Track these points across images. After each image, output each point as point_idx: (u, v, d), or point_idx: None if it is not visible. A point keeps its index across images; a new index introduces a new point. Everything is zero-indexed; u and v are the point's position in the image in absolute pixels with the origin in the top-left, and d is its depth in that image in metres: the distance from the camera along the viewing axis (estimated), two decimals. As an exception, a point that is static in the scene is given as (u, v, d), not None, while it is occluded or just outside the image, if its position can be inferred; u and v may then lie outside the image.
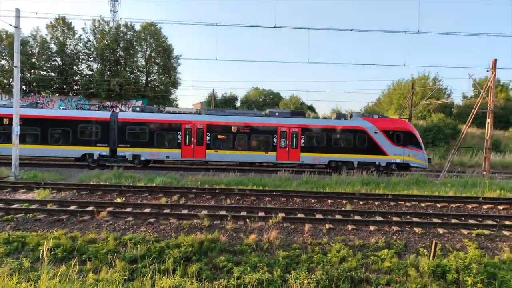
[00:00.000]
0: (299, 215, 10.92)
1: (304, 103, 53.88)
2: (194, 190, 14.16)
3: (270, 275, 7.28)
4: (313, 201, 13.34)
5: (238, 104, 54.77)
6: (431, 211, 12.21)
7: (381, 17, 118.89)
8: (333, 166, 21.78)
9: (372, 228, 9.85)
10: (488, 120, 19.60)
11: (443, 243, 8.95)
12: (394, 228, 9.87)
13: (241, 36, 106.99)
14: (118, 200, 12.20)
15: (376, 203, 13.32)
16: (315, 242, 8.78)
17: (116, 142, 21.09)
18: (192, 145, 21.31)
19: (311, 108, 55.05)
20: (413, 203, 13.47)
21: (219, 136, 21.50)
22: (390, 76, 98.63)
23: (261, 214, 10.78)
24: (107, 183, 15.27)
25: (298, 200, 13.45)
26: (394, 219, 10.84)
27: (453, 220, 10.87)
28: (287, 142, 21.73)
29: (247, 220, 9.87)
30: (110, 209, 10.85)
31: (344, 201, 13.39)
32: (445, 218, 11.22)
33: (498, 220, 11.13)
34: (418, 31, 14.78)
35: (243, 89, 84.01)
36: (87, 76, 38.89)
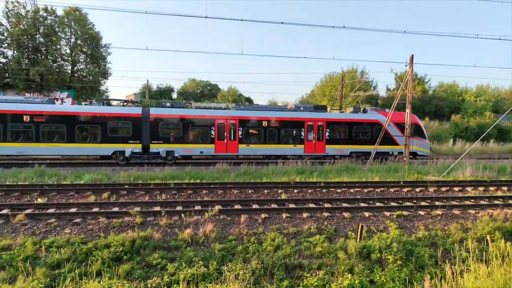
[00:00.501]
0: (236, 207, 10.96)
1: (242, 95, 54.16)
2: (126, 187, 13.48)
3: (205, 269, 7.20)
4: (250, 191, 13.48)
5: (174, 95, 53.20)
6: (359, 196, 13.05)
7: (314, 10, 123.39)
8: (353, 156, 22.95)
9: (305, 215, 10.25)
10: (407, 111, 21.43)
11: (369, 226, 9.62)
12: (325, 214, 10.38)
13: (173, 26, 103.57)
14: (40, 200, 11.14)
15: (310, 190, 13.88)
16: (251, 232, 8.89)
17: (148, 138, 20.80)
18: (225, 140, 21.78)
19: (249, 100, 55.54)
20: (343, 189, 14.29)
21: (250, 131, 22.25)
22: (322, 68, 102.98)
23: (198, 207, 10.62)
24: (27, 183, 13.88)
25: (235, 191, 13.49)
26: (326, 205, 11.40)
27: (378, 204, 11.75)
28: (313, 135, 23.01)
29: (182, 214, 9.65)
30: (28, 211, 9.87)
31: (280, 190, 13.74)
32: (371, 202, 12.08)
33: (415, 201, 12.27)
34: (344, 26, 15.54)
35: (179, 80, 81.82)
36: (1, 65, 34.75)
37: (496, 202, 12.19)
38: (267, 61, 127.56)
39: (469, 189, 14.93)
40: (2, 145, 19.07)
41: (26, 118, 19.36)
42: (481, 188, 15.01)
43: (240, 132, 21.93)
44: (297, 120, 22.69)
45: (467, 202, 12.14)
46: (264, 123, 22.01)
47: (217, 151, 21.69)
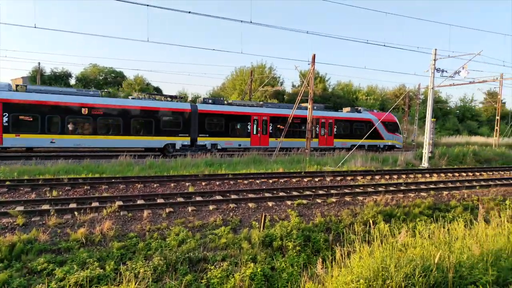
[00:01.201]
0: (139, 202, 10.39)
1: (151, 84, 51.60)
2: (8, 183, 11.73)
3: (102, 270, 6.66)
4: (155, 185, 12.95)
5: (72, 81, 48.01)
6: (264, 187, 13.55)
7: (220, 4, 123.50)
8: (350, 148, 25.65)
9: (211, 207, 10.24)
10: (309, 106, 22.95)
11: (272, 215, 10.05)
12: (232, 205, 10.52)
13: (67, 4, 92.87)
14: None
15: (218, 183, 13.93)
16: (154, 228, 8.52)
17: (196, 132, 22.84)
18: (258, 134, 24.83)
19: (157, 90, 53.20)
20: (250, 180, 14.68)
21: (278, 126, 25.60)
22: (232, 62, 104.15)
23: (95, 204, 9.79)
24: None
25: (139, 186, 12.82)
26: (233, 197, 11.57)
27: (281, 194, 12.37)
28: (325, 130, 27.65)
29: (76, 212, 8.78)
30: None
31: (187, 183, 13.49)
32: (275, 192, 12.66)
33: (314, 190, 13.25)
34: (251, 22, 15.82)
35: (78, 65, 74.11)
36: None
37: (380, 189, 13.86)
38: (177, 51, 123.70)
39: (359, 178, 16.71)
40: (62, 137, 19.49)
41: (84, 111, 19.79)
42: (368, 177, 16.93)
43: (270, 127, 25.42)
44: (313, 118, 24.81)
45: (357, 190, 13.56)
46: (289, 120, 24.10)
47: (252, 144, 24.65)
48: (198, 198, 11.19)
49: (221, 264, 7.32)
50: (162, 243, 7.83)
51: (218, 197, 11.41)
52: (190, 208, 10.03)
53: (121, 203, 9.95)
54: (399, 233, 6.75)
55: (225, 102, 25.61)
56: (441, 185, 15.30)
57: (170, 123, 22.15)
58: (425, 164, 22.04)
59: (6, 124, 18.27)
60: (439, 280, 5.41)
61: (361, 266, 5.52)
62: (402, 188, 14.24)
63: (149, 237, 8.10)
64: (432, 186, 15.03)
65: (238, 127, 24.57)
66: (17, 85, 19.87)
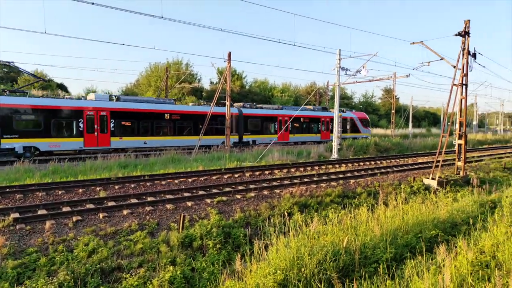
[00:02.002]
0: (40, 212, 9.29)
1: (53, 80, 46.52)
2: None
3: (-7, 295, 5.78)
4: (60, 193, 11.71)
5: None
6: (183, 187, 13.22)
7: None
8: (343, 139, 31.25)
9: (126, 212, 9.64)
10: (227, 103, 23.06)
11: (191, 215, 9.85)
12: (148, 208, 10.04)
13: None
14: None
15: (133, 185, 13.18)
16: (58, 240, 7.69)
17: (242, 131, 28.65)
18: (282, 131, 30.57)
19: (61, 87, 48.23)
20: (168, 181, 14.20)
21: (295, 124, 32.34)
22: (146, 58, 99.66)
23: (-17, 219, 8.45)
24: None
25: (40, 194, 11.46)
26: (149, 199, 11.05)
27: (200, 192, 12.20)
28: (325, 127, 35.56)
29: (-43, 231, 7.50)
30: None
31: (98, 188, 12.50)
32: (194, 191, 12.44)
33: (234, 186, 13.36)
34: (162, 17, 15.23)
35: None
36: None
37: (295, 181, 14.57)
38: (82, 45, 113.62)
39: (276, 171, 17.35)
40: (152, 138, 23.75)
41: (167, 116, 24.21)
42: (285, 170, 17.69)
43: (290, 125, 31.45)
44: (316, 117, 34.86)
45: (274, 183, 14.06)
46: (301, 119, 32.71)
47: (279, 140, 29.97)
48: (111, 203, 10.43)
49: (138, 271, 6.92)
50: (68, 256, 7.10)
51: (133, 201, 10.79)
52: (101, 215, 9.29)
53: (17, 215, 8.77)
54: (312, 222, 7.16)
55: (260, 106, 32.24)
56: (349, 174, 16.71)
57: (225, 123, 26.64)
58: (335, 155, 23.85)
59: (113, 129, 22.16)
60: (347, 262, 5.88)
61: (278, 258, 5.72)
62: (315, 179, 15.17)
63: (52, 250, 7.28)
64: (341, 175, 16.32)
65: (269, 126, 31.26)
66: (115, 96, 23.92)
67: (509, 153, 28.72)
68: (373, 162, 22.13)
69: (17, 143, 18.90)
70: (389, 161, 23.20)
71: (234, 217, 9.77)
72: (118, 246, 7.77)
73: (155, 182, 13.84)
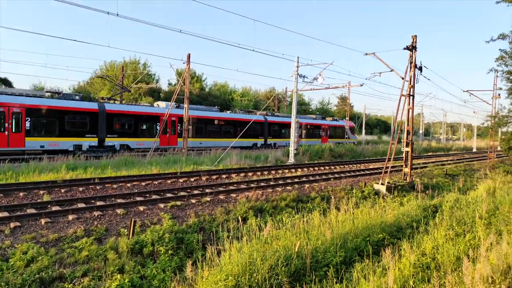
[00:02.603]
0: (-28, 218, 8.48)
1: (-5, 75, 43.01)
2: None
3: None
4: (-3, 196, 10.79)
5: None
6: (136, 190, 12.74)
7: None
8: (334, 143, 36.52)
9: (71, 217, 9.08)
10: (185, 106, 22.67)
11: (143, 220, 9.50)
12: (96, 213, 9.54)
13: None
14: None
15: (81, 189, 12.50)
16: (-8, 249, 7.06)
17: (267, 135, 34.80)
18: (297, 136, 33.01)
19: (5, 82, 44.73)
20: (120, 184, 13.63)
21: (303, 131, 38.28)
22: (100, 56, 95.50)
23: None
24: None
25: (-27, 198, 10.48)
26: (98, 203, 10.51)
27: (154, 196, 11.82)
28: (324, 133, 41.07)
29: None
30: None
31: (42, 191, 11.69)
32: (147, 195, 12.03)
33: (189, 190, 13.11)
34: (117, 14, 14.67)
35: None
36: None
37: (252, 185, 14.60)
38: (30, 39, 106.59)
39: (233, 175, 17.29)
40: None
41: (215, 122, 30.06)
42: (242, 174, 17.68)
43: (324, 132, 40.84)
44: (318, 125, 40.81)
45: (231, 187, 13.99)
46: (308, 126, 39.18)
47: (323, 142, 38.14)
48: (55, 208, 9.78)
49: (82, 281, 6.53)
50: (3, 266, 6.53)
51: (81, 205, 10.21)
52: (43, 220, 8.68)
53: None
54: (266, 226, 7.18)
55: (277, 115, 38.49)
56: (304, 179, 17.06)
57: (255, 129, 32.84)
58: (291, 160, 24.27)
59: (179, 131, 26.71)
60: (299, 267, 5.95)
61: (231, 264, 5.66)
62: (271, 183, 15.31)
63: (-16, 260, 6.65)
64: (296, 180, 16.62)
65: (312, 132, 40.06)
66: (176, 104, 27.27)
67: (451, 160, 30.93)
68: (327, 167, 22.80)
69: (116, 142, 23.61)
70: (342, 166, 24.02)
71: (188, 222, 9.56)
72: (61, 254, 7.28)
73: (106, 185, 13.22)
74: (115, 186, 13.25)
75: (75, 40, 19.31)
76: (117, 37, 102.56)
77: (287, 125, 34.81)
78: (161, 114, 25.93)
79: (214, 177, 16.51)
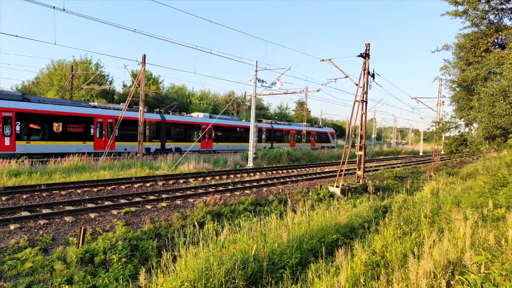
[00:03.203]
0: None
1: None
2: None
3: None
4: None
5: None
6: (87, 197, 12.15)
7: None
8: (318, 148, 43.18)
9: (13, 227, 8.44)
10: (140, 108, 22.01)
11: (95, 227, 9.06)
12: (42, 221, 8.95)
13: None
14: None
15: (25, 196, 11.68)
16: None
17: (273, 140, 40.60)
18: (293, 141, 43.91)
19: None
20: (70, 190, 12.92)
21: (297, 136, 44.70)
22: (47, 54, 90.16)
23: None
24: None
25: None
26: (44, 211, 9.88)
27: (107, 203, 11.33)
28: (314, 138, 47.56)
29: None
30: None
31: (-21, 200, 10.76)
32: (100, 201, 11.50)
33: (144, 196, 12.72)
34: (64, 9, 13.94)
35: None
36: None
37: (210, 189, 14.46)
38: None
39: (191, 180, 17.03)
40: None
41: (239, 130, 36.26)
42: (200, 179, 17.47)
43: (297, 137, 44.65)
44: (309, 131, 46.16)
45: (188, 192, 13.77)
46: (300, 133, 44.80)
47: (291, 146, 41.82)
48: (-5, 217, 9.04)
49: (25, 295, 6.08)
50: None
51: (25, 213, 9.53)
52: (-20, 231, 7.99)
53: None
54: (223, 231, 7.14)
55: (279, 122, 45.01)
56: (262, 182, 17.21)
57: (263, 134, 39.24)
58: (250, 164, 24.39)
59: (214, 136, 32.87)
60: (256, 270, 5.98)
61: (187, 269, 5.55)
62: (230, 187, 15.28)
63: None
64: (255, 184, 16.72)
65: (320, 137, 49.60)
66: (209, 114, 35.87)
67: (400, 163, 32.77)
68: (285, 171, 23.19)
69: (173, 145, 29.30)
70: (300, 169, 24.56)
71: (143, 229, 9.26)
72: (1, 266, 6.74)
73: (54, 192, 12.47)
74: (63, 192, 12.52)
75: (16, 36, 18.03)
76: (67, 35, 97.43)
77: (288, 132, 42.98)
78: (202, 123, 31.73)
79: (171, 182, 16.16)
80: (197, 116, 33.67)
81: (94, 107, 24.51)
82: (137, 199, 12.15)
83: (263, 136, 38.60)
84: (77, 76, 37.49)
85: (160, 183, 15.54)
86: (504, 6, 17.31)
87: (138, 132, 23.08)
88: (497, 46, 19.26)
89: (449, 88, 25.39)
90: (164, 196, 12.49)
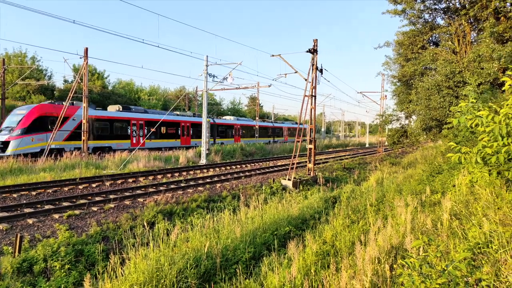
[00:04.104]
0: None
1: None
2: None
3: None
4: None
5: None
6: (24, 201, 11.22)
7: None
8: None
9: None
10: (84, 105, 20.77)
11: (33, 234, 8.40)
12: (-29, 231, 8.12)
13: None
14: None
15: (-50, 204, 10.49)
16: None
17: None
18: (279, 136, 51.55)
19: None
20: (4, 195, 11.85)
21: (276, 131, 50.44)
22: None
23: None
24: None
25: None
26: (-27, 219, 8.96)
27: (47, 206, 10.55)
28: (285, 133, 51.75)
29: None
30: None
31: None
32: (39, 206, 10.69)
33: (90, 198, 12.03)
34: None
35: None
36: None
37: (161, 188, 14.05)
38: None
39: (141, 179, 16.43)
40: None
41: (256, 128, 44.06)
42: (151, 177, 16.91)
43: (276, 132, 50.44)
44: (294, 128, 51.11)
45: (138, 192, 13.25)
46: (291, 129, 53.22)
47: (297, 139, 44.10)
48: None
49: (-50, 313, 5.47)
50: None
51: (-51, 223, 8.57)
52: None
53: None
54: (174, 230, 6.96)
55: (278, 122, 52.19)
56: (216, 179, 17.07)
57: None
58: (203, 160, 24.08)
59: (240, 134, 41.63)
60: (209, 267, 5.90)
61: (136, 272, 5.33)
62: (182, 185, 14.95)
63: None
64: (208, 180, 16.54)
65: (281, 132, 52.45)
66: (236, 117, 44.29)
67: (348, 155, 34.27)
68: (239, 166, 23.21)
69: (220, 141, 37.23)
70: (253, 164, 24.72)
71: (88, 232, 8.75)
72: None
73: (-15, 197, 11.35)
74: (-3, 197, 11.46)
75: None
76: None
77: (270, 128, 48.23)
78: (233, 124, 40.53)
79: (119, 181, 15.46)
80: (230, 119, 41.03)
81: (177, 115, 34.31)
82: (82, 201, 11.46)
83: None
84: (10, 71, 34.42)
85: (107, 183, 14.80)
86: (437, 6, 18.65)
87: (82, 130, 21.74)
88: (431, 44, 20.74)
89: (391, 83, 26.97)
90: (112, 196, 11.90)
